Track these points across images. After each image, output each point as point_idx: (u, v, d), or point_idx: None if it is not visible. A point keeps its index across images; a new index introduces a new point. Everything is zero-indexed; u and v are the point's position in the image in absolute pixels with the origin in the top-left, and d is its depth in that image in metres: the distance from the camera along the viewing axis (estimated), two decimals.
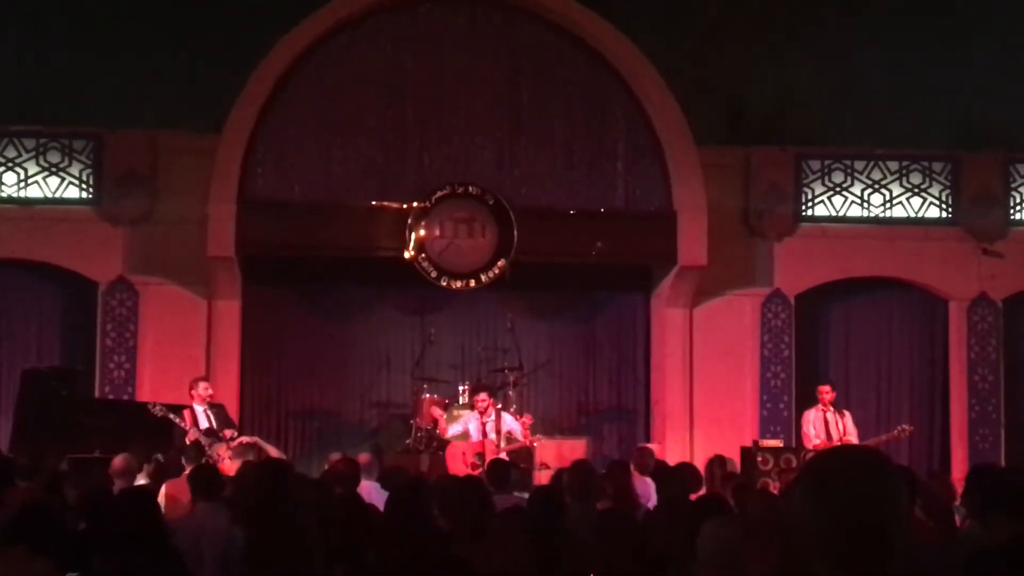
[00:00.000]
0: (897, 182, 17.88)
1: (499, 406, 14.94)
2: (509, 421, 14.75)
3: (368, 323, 17.77)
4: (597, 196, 16.97)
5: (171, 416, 13.37)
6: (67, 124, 17.28)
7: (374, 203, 16.46)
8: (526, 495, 9.36)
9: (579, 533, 6.62)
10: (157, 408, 13.37)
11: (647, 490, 10.39)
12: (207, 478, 8.33)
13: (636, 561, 6.00)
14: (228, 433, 13.50)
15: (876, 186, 17.84)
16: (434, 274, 16.28)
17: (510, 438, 14.64)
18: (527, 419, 15.04)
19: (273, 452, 12.40)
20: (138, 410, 14.11)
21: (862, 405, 17.39)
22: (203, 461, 11.61)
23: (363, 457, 10.24)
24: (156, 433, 13.35)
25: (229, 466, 11.87)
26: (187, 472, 9.97)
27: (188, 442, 13.09)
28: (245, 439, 13.24)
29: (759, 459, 15.39)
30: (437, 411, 15.57)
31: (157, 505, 6.36)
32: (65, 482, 10.01)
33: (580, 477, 8.70)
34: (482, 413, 14.47)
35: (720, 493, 9.21)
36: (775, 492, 13.05)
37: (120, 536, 6.05)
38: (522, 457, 14.81)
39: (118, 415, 14.40)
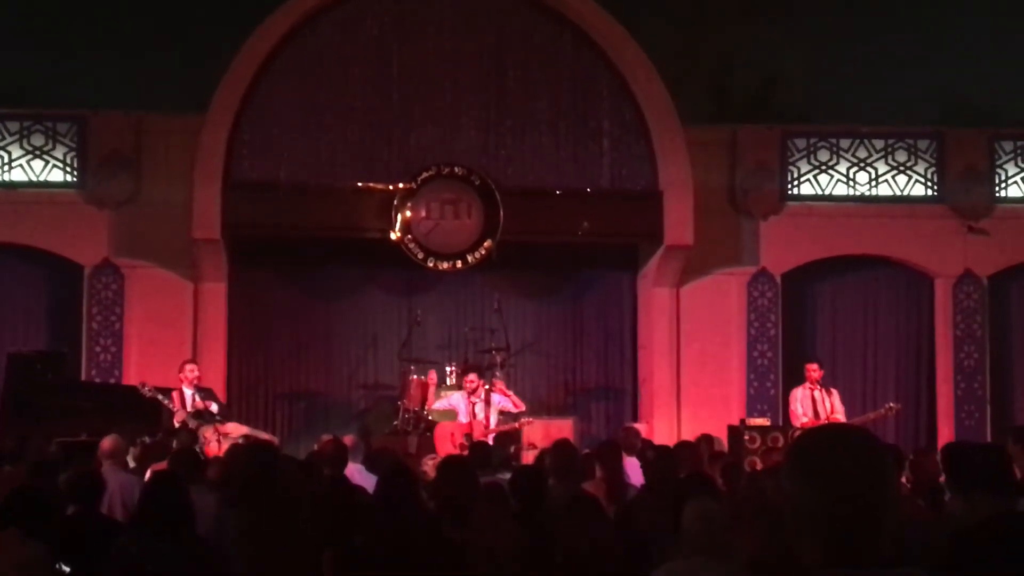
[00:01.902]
0: (882, 160, 17.88)
1: (487, 386, 14.97)
2: (498, 399, 14.79)
3: (355, 304, 17.76)
4: (583, 176, 16.96)
5: (159, 397, 13.37)
6: (51, 107, 17.21)
7: (360, 184, 16.43)
8: (508, 475, 9.38)
9: (562, 513, 6.63)
10: (146, 389, 13.38)
11: (633, 470, 10.40)
12: (188, 461, 8.31)
13: (621, 540, 6.01)
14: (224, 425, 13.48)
15: (861, 164, 17.85)
16: (420, 255, 16.27)
17: (505, 415, 14.69)
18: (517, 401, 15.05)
19: (265, 437, 12.39)
20: (125, 393, 14.10)
21: (849, 383, 17.42)
22: (196, 445, 11.62)
23: (348, 439, 10.24)
24: (143, 416, 13.34)
25: (216, 448, 11.88)
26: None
27: (176, 423, 13.09)
28: (232, 429, 13.24)
29: (746, 438, 15.39)
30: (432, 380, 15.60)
31: (187, 490, 6.33)
32: (55, 466, 9.98)
33: (562, 457, 8.71)
34: (471, 394, 14.52)
35: (705, 472, 9.22)
36: (759, 470, 13.07)
37: (153, 520, 6.03)
38: (510, 438, 14.83)
39: (104, 398, 14.37)
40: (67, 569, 5.89)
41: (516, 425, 14.88)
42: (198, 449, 11.59)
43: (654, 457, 8.51)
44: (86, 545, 6.23)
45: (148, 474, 9.82)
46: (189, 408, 13.62)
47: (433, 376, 16.13)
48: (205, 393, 14.11)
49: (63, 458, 10.81)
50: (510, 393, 15.10)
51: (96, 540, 6.24)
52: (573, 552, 6.14)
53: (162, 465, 9.77)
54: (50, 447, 11.82)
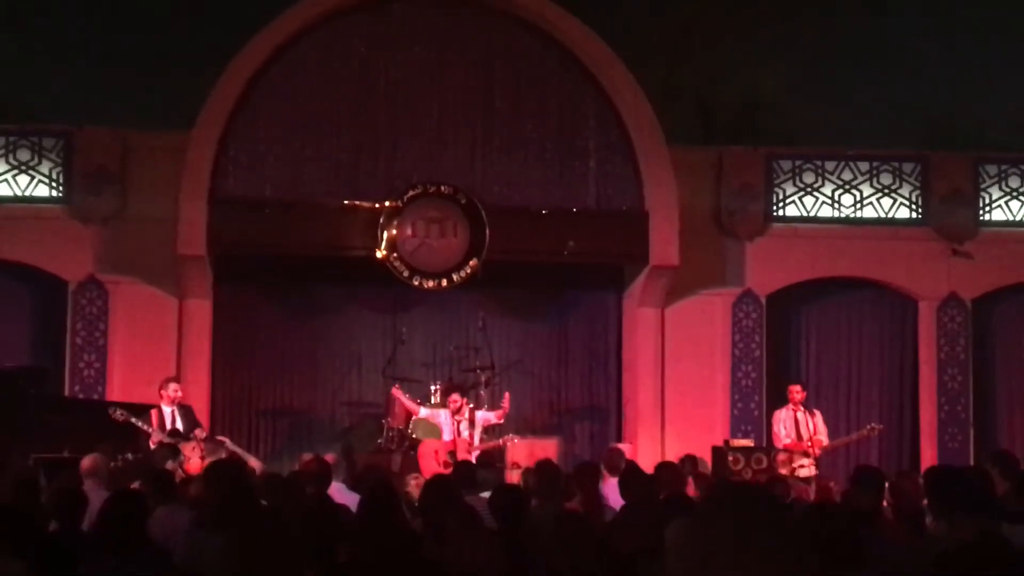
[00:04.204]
0: (867, 182, 17.94)
1: (471, 405, 14.96)
2: (481, 416, 14.81)
3: (340, 322, 17.74)
4: (569, 195, 16.98)
5: (132, 420, 13.21)
6: (37, 122, 17.19)
7: (346, 202, 16.43)
8: None
9: (544, 533, 6.62)
10: (118, 412, 13.17)
11: (617, 491, 10.39)
12: (161, 483, 8.28)
13: (602, 562, 6.00)
14: (199, 433, 13.43)
15: (846, 186, 17.91)
16: (406, 273, 16.27)
17: (489, 431, 14.68)
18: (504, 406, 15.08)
19: (253, 462, 12.30)
20: (107, 410, 14.03)
21: (832, 404, 17.46)
22: (174, 462, 11.57)
23: (329, 457, 10.23)
24: (125, 433, 13.27)
25: (195, 465, 11.84)
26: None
27: (152, 445, 12.97)
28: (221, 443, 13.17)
29: (730, 458, 15.41)
30: (399, 394, 15.45)
31: (144, 509, 6.31)
32: (37, 483, 9.93)
33: (545, 477, 8.70)
34: (455, 413, 14.51)
35: (686, 493, 9.24)
36: None
37: (110, 539, 6.00)
38: (494, 456, 14.83)
39: (87, 415, 14.31)
40: None
41: (500, 443, 14.88)
42: (178, 466, 11.55)
43: (632, 478, 8.50)
44: (67, 562, 6.20)
45: None
46: (168, 427, 13.54)
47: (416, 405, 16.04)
48: (185, 410, 14.04)
49: (46, 474, 10.77)
50: (489, 415, 15.11)
51: (77, 558, 6.20)
52: (556, 572, 6.13)
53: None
54: (27, 463, 11.77)
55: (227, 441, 13.37)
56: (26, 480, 8.85)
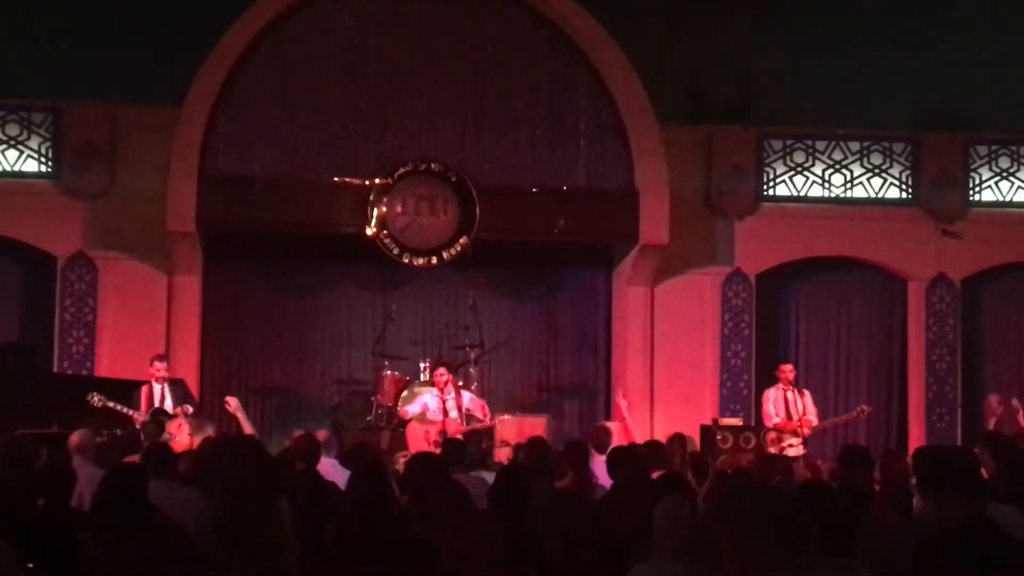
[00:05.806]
0: (858, 162, 17.96)
1: (460, 383, 14.93)
2: (469, 399, 14.75)
3: (329, 299, 17.73)
4: (559, 174, 16.97)
5: (110, 404, 13.15)
6: (26, 97, 17.12)
7: (336, 179, 16.41)
8: (483, 473, 9.36)
9: (536, 512, 6.63)
10: (95, 399, 13.11)
11: (604, 469, 10.39)
12: (160, 456, 8.27)
13: (593, 540, 6.02)
14: (186, 409, 13.41)
15: (837, 166, 17.92)
16: (396, 251, 16.26)
17: (470, 417, 14.61)
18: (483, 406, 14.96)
19: (247, 428, 12.27)
20: (97, 386, 13.99)
21: (821, 384, 17.50)
22: (161, 438, 11.55)
23: (321, 434, 10.22)
24: (114, 409, 13.24)
25: (183, 443, 11.81)
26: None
27: (138, 426, 12.96)
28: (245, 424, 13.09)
29: (719, 437, 15.46)
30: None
31: (145, 483, 6.30)
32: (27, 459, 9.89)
33: (537, 455, 8.70)
34: (441, 389, 14.44)
35: (678, 471, 9.25)
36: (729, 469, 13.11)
37: (110, 513, 6.00)
38: (483, 435, 14.80)
39: (76, 391, 14.27)
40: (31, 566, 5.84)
41: (490, 424, 14.82)
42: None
43: (619, 458, 8.49)
44: (56, 538, 6.20)
45: None
46: (156, 404, 13.52)
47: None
48: (176, 385, 14.01)
49: (33, 450, 10.74)
50: (482, 400, 15.04)
51: (66, 533, 6.20)
52: (551, 551, 6.14)
53: (133, 458, 9.73)
54: (14, 439, 11.72)
55: (232, 402, 13.20)
56: (15, 457, 8.83)
